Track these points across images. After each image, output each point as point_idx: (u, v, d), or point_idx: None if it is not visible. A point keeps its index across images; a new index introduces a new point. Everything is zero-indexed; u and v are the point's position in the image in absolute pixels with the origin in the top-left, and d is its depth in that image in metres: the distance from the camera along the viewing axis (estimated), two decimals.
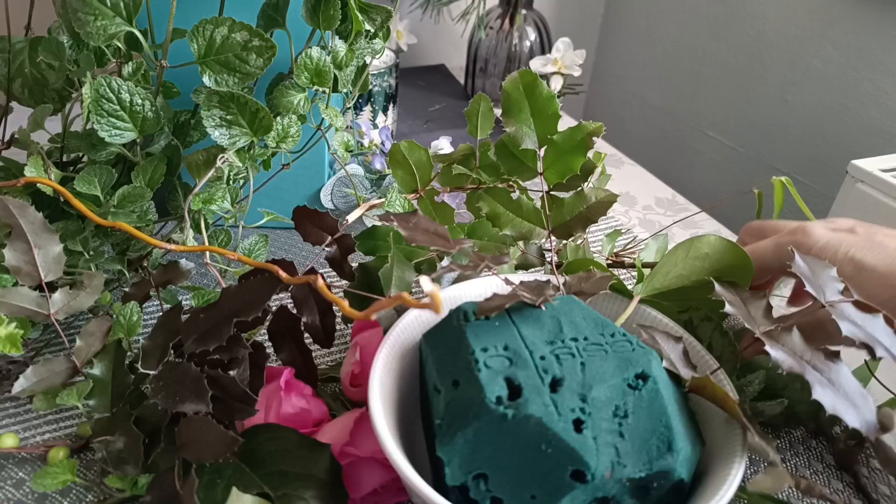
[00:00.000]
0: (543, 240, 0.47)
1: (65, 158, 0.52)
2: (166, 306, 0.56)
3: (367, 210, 0.48)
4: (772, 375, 0.44)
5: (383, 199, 0.49)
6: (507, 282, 0.40)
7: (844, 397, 0.32)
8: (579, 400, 0.31)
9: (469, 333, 0.34)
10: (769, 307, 0.38)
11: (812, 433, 0.48)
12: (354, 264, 0.47)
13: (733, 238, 0.51)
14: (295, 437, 0.37)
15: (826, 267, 0.39)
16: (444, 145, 0.75)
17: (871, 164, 0.81)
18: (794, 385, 0.44)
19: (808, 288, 0.37)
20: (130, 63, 0.45)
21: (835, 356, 0.34)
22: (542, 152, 0.47)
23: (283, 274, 0.37)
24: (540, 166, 0.48)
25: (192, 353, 0.37)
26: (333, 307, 0.43)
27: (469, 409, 0.31)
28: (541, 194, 0.48)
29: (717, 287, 0.39)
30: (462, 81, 1.14)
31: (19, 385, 0.39)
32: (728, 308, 0.37)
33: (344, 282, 0.48)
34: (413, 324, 0.39)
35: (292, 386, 0.41)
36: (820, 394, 0.32)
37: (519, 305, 0.36)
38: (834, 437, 0.47)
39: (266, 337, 0.43)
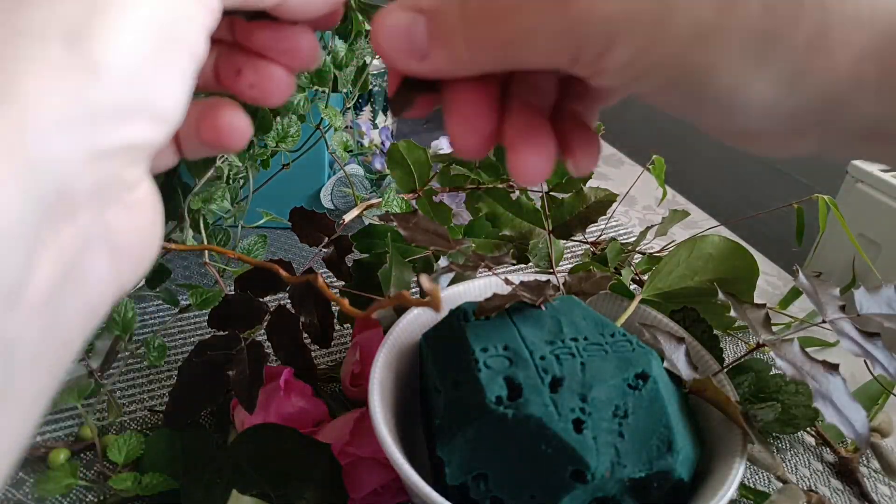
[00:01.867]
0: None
1: None
2: (165, 306, 0.56)
3: (363, 210, 0.48)
4: (763, 378, 0.44)
5: (380, 200, 0.49)
6: (507, 282, 0.39)
7: (840, 409, 0.32)
8: (579, 400, 0.31)
9: (469, 333, 0.34)
10: (768, 317, 0.38)
11: (814, 437, 0.48)
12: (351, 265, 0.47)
13: (735, 238, 0.51)
14: (295, 437, 0.37)
15: (829, 286, 0.39)
16: (444, 145, 0.75)
17: (871, 164, 0.81)
18: (788, 388, 0.44)
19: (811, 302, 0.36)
20: None
21: (833, 368, 0.34)
22: None
23: (282, 273, 0.37)
24: None
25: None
26: (332, 307, 0.43)
27: (469, 409, 0.31)
28: (540, 194, 0.48)
29: (721, 295, 0.39)
30: None
31: None
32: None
33: (341, 282, 0.48)
34: (413, 324, 0.39)
35: (292, 386, 0.41)
36: (821, 403, 0.32)
37: (519, 305, 0.36)
38: (834, 446, 0.47)
39: (265, 336, 0.43)
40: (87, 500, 0.40)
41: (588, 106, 0.24)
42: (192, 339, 0.54)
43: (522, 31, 0.18)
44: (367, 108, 0.82)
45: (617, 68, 0.17)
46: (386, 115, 0.84)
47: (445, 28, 0.19)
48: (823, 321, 0.36)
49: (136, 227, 0.18)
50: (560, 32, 0.17)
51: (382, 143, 0.74)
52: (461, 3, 0.18)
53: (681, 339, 0.37)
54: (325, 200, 0.69)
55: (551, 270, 0.45)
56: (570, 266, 0.54)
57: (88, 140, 0.15)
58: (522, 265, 0.63)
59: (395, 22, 0.19)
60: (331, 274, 0.45)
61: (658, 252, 0.56)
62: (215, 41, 0.21)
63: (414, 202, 0.51)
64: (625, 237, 0.73)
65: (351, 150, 0.53)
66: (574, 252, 0.67)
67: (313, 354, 0.44)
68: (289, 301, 0.44)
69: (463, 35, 0.19)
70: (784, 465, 0.46)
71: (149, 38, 0.16)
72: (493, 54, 0.19)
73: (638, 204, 0.81)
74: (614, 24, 0.17)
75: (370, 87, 0.80)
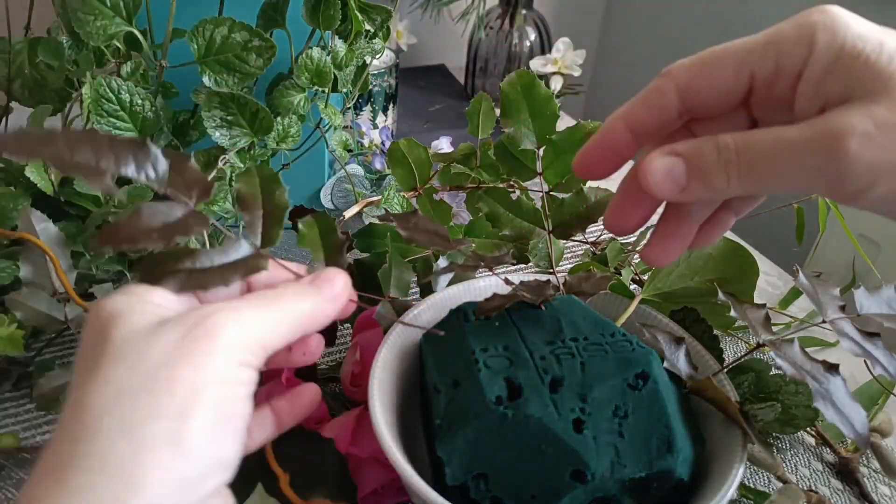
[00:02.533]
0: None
1: None
2: None
3: (363, 207, 0.48)
4: (763, 378, 0.44)
5: (379, 197, 0.49)
6: (507, 282, 0.39)
7: (840, 409, 0.32)
8: (579, 400, 0.31)
9: (469, 333, 0.34)
10: (768, 316, 0.38)
11: (814, 437, 0.48)
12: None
13: (735, 238, 0.50)
14: (303, 435, 0.37)
15: (829, 286, 0.38)
16: (444, 145, 0.75)
17: None
18: (789, 388, 0.44)
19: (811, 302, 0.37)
20: (129, 62, 0.45)
21: (833, 368, 0.34)
22: (541, 152, 0.47)
23: None
24: (539, 166, 0.47)
25: None
26: None
27: (469, 409, 0.31)
28: (541, 194, 0.48)
29: (721, 295, 0.39)
30: (462, 81, 1.13)
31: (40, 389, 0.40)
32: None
33: None
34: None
35: (293, 385, 0.41)
36: (821, 403, 0.32)
37: (519, 305, 0.36)
38: (834, 446, 0.47)
39: None
40: None
41: (745, 204, 0.29)
42: None
43: (785, 170, 0.21)
44: (367, 108, 0.82)
45: (874, 199, 0.21)
46: (385, 115, 0.84)
47: (703, 167, 0.23)
48: (823, 321, 0.36)
49: None
50: (823, 171, 0.21)
51: (382, 143, 0.74)
52: (718, 149, 0.23)
53: (681, 339, 0.37)
54: (325, 200, 0.69)
55: (551, 270, 0.45)
56: (570, 266, 0.54)
57: (187, 498, 0.23)
58: (522, 265, 0.63)
59: (660, 164, 0.24)
60: None
61: None
62: None
63: (414, 201, 0.51)
64: (625, 237, 0.73)
65: (351, 150, 0.54)
66: (574, 252, 0.67)
67: None
68: None
69: (724, 172, 0.23)
70: (784, 465, 0.46)
71: (216, 426, 0.23)
72: (751, 186, 0.23)
73: None
74: (877, 167, 0.20)
75: (370, 87, 0.80)
